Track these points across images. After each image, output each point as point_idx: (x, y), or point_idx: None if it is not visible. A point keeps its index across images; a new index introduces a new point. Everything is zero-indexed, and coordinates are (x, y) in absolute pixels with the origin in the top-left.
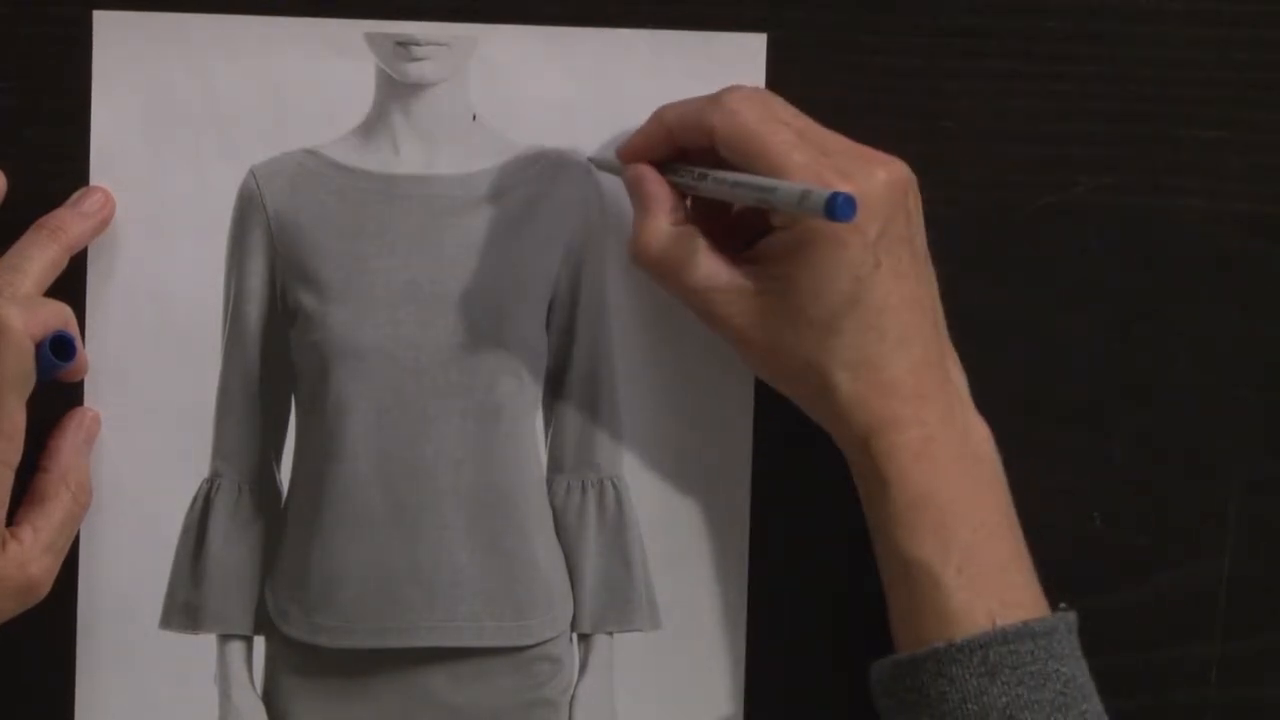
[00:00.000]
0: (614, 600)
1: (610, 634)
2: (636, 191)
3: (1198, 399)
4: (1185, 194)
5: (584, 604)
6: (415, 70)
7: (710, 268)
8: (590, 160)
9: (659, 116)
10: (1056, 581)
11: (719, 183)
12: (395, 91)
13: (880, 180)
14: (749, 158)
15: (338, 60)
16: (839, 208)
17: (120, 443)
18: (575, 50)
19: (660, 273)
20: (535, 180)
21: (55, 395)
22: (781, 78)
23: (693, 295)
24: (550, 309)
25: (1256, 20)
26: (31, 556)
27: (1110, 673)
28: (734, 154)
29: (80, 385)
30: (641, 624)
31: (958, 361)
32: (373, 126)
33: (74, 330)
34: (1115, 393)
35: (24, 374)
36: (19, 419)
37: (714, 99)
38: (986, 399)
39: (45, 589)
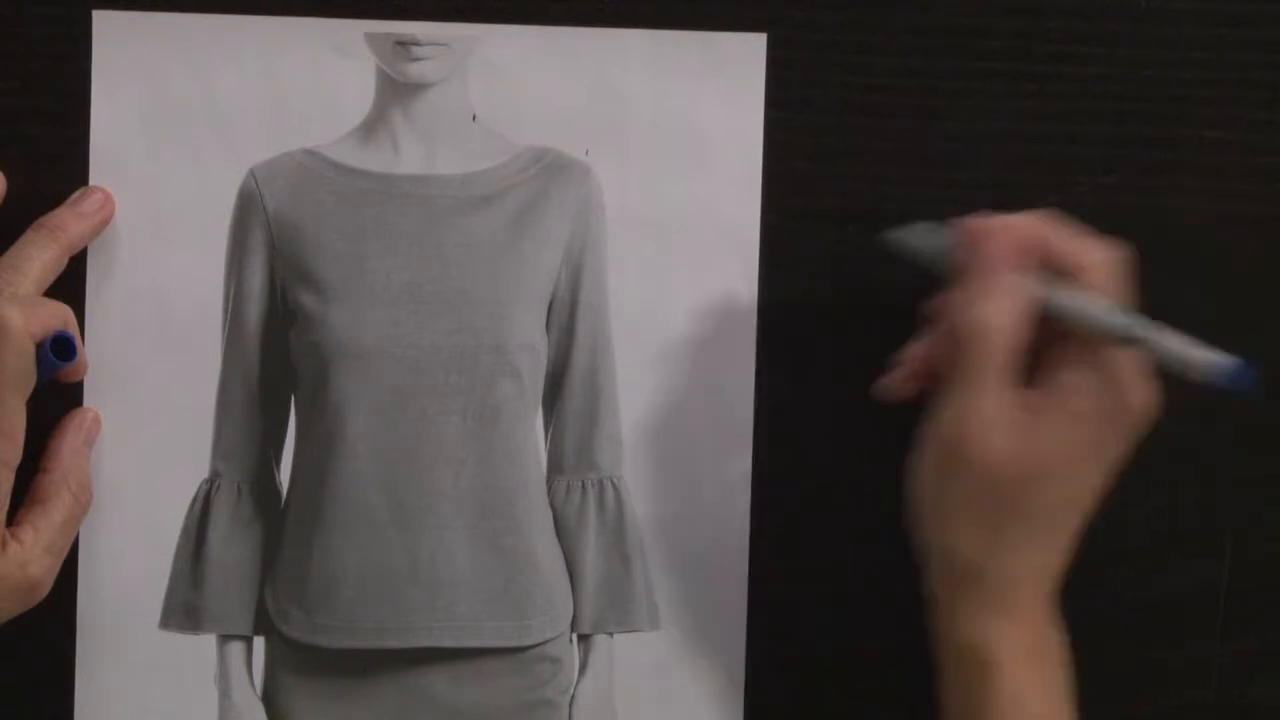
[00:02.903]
0: (614, 600)
1: (610, 634)
2: (993, 260)
3: (1198, 399)
4: (1185, 194)
5: (584, 604)
6: (415, 70)
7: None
8: (887, 237)
9: (1023, 225)
10: None
11: (1080, 307)
12: (395, 91)
13: (1157, 397)
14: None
15: (338, 60)
16: (1243, 378)
17: (120, 443)
18: (575, 50)
19: (976, 347)
20: (535, 180)
21: (55, 395)
22: (781, 78)
23: (975, 397)
24: (550, 309)
25: (1256, 20)
26: (32, 557)
27: (1110, 673)
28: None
29: (80, 385)
30: (641, 624)
31: None
32: (373, 126)
33: (74, 330)
34: None
35: (24, 374)
36: (19, 419)
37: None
38: None
39: (45, 589)
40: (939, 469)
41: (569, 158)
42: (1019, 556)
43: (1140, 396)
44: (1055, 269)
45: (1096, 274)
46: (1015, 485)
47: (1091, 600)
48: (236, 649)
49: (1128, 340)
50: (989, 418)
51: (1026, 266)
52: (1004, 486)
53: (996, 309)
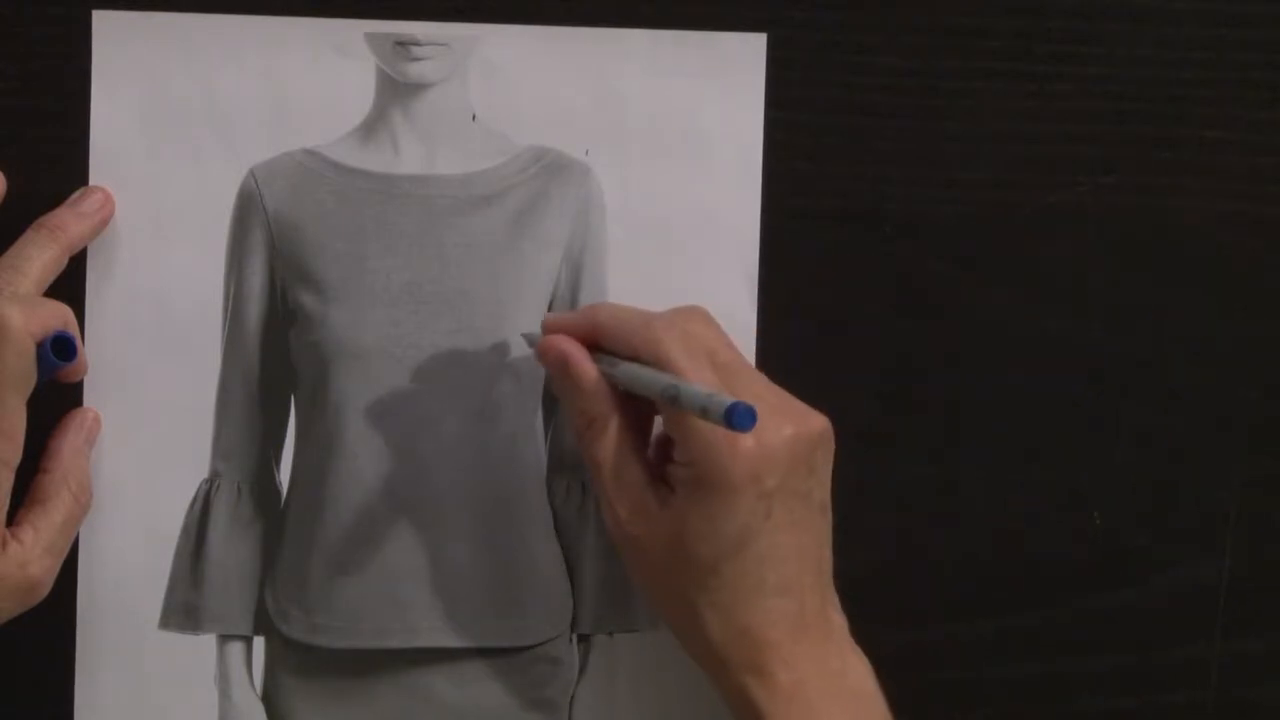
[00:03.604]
0: (614, 600)
1: (610, 634)
2: (568, 365)
3: (1198, 399)
4: (1185, 194)
5: (584, 604)
6: (415, 70)
7: (634, 462)
8: (524, 336)
9: (592, 313)
10: (1056, 581)
11: (630, 374)
12: (395, 91)
13: (786, 435)
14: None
15: (338, 60)
16: (738, 417)
17: (120, 443)
18: (575, 50)
19: (592, 428)
20: (535, 180)
21: (55, 395)
22: (781, 78)
23: (610, 484)
24: (550, 308)
25: (1256, 20)
26: (32, 557)
27: (1110, 673)
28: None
29: (80, 385)
30: (641, 624)
31: (838, 605)
32: (373, 126)
33: (74, 330)
34: (1115, 392)
35: (24, 373)
36: (19, 419)
37: (647, 321)
38: (985, 399)
39: (45, 589)
40: (623, 556)
41: (569, 158)
42: (730, 618)
43: (743, 448)
44: (634, 353)
45: (651, 345)
46: (669, 560)
47: (1091, 600)
48: (236, 649)
49: (671, 397)
50: (614, 498)
51: (612, 352)
52: (661, 562)
53: (576, 399)
